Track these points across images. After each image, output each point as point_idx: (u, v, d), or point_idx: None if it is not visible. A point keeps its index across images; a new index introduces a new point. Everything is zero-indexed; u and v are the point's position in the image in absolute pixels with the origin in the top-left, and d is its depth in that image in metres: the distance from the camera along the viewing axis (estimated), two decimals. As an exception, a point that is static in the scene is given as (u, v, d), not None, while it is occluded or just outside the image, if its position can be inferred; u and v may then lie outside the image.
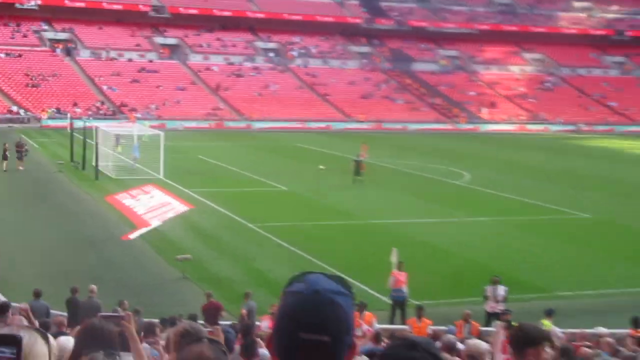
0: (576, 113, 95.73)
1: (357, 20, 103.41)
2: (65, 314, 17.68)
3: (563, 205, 37.49)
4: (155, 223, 31.77)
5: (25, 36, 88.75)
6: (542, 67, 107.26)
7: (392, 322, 20.05)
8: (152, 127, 55.92)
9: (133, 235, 29.67)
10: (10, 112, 74.38)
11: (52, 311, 17.71)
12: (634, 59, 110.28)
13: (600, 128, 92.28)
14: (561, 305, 21.54)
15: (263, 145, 63.68)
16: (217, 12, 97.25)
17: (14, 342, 2.08)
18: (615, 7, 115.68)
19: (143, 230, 30.58)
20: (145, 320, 13.95)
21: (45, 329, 11.85)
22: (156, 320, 13.94)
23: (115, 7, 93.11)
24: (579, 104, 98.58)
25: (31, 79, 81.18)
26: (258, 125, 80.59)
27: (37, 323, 11.89)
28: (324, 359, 2.17)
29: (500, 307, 20.36)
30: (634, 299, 22.32)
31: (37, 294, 18.20)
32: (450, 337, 13.28)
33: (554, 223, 34.16)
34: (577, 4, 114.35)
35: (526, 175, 48.48)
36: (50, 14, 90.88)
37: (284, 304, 2.26)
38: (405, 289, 20.81)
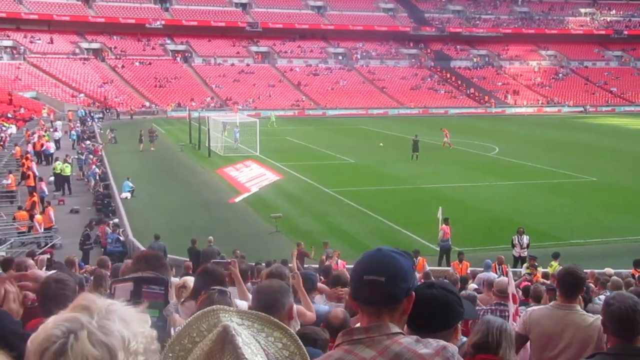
0: (583, 97, 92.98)
1: (406, 29, 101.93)
2: (187, 258, 17.90)
3: (574, 171, 36.46)
4: (254, 189, 32.03)
5: (153, 48, 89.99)
6: (555, 61, 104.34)
7: (439, 265, 19.86)
8: (249, 115, 56.11)
9: (237, 199, 29.98)
10: (143, 106, 75.71)
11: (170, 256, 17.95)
12: (630, 52, 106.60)
13: (604, 109, 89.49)
14: (574, 250, 21.07)
15: (335, 128, 63.56)
16: (297, 26, 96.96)
17: (162, 282, 2.03)
18: (613, 12, 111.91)
19: (245, 195, 30.87)
20: (250, 264, 13.98)
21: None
22: (262, 264, 13.98)
23: (220, 24, 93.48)
24: (586, 90, 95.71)
25: (158, 81, 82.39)
26: (331, 112, 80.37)
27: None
28: (382, 296, 2.22)
29: (524, 253, 20.01)
30: (634, 245, 21.59)
31: (157, 237, 18.79)
32: (492, 275, 13.01)
33: (566, 185, 33.28)
34: (582, 10, 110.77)
35: (544, 147, 47.27)
36: (171, 31, 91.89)
37: (358, 260, 2.37)
38: (450, 239, 20.63)
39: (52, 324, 1.33)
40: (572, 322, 4.61)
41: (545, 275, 15.42)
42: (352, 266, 2.47)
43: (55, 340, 1.29)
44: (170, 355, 1.49)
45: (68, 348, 1.28)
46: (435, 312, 2.57)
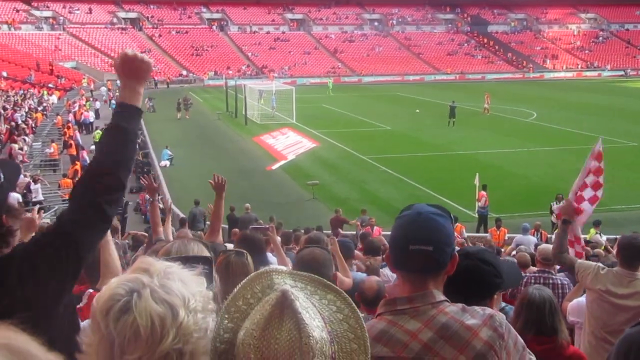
0: (624, 61, 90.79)
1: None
2: (225, 225, 18.08)
3: (614, 136, 35.60)
4: (290, 157, 32.11)
5: (189, 17, 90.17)
6: (595, 24, 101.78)
7: (477, 231, 19.75)
8: (285, 83, 55.98)
9: (274, 167, 30.11)
10: (181, 75, 76.18)
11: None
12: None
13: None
14: (614, 217, 20.72)
15: (371, 95, 63.11)
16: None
17: (207, 261, 2.09)
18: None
19: (282, 162, 30.98)
20: (288, 230, 14.05)
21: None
22: (301, 230, 14.02)
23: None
24: (627, 53, 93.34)
25: (195, 50, 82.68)
26: (367, 79, 79.85)
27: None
28: (428, 265, 2.12)
29: (563, 219, 19.67)
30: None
31: (197, 203, 19.43)
32: (530, 239, 12.87)
33: (606, 150, 32.21)
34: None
35: (583, 112, 46.32)
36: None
37: (397, 225, 2.21)
38: (488, 205, 20.49)
39: (115, 284, 1.38)
40: (638, 287, 4.82)
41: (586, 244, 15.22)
42: (389, 233, 2.40)
43: (119, 299, 1.34)
44: (227, 316, 1.53)
45: (132, 305, 1.33)
46: (467, 284, 2.44)
